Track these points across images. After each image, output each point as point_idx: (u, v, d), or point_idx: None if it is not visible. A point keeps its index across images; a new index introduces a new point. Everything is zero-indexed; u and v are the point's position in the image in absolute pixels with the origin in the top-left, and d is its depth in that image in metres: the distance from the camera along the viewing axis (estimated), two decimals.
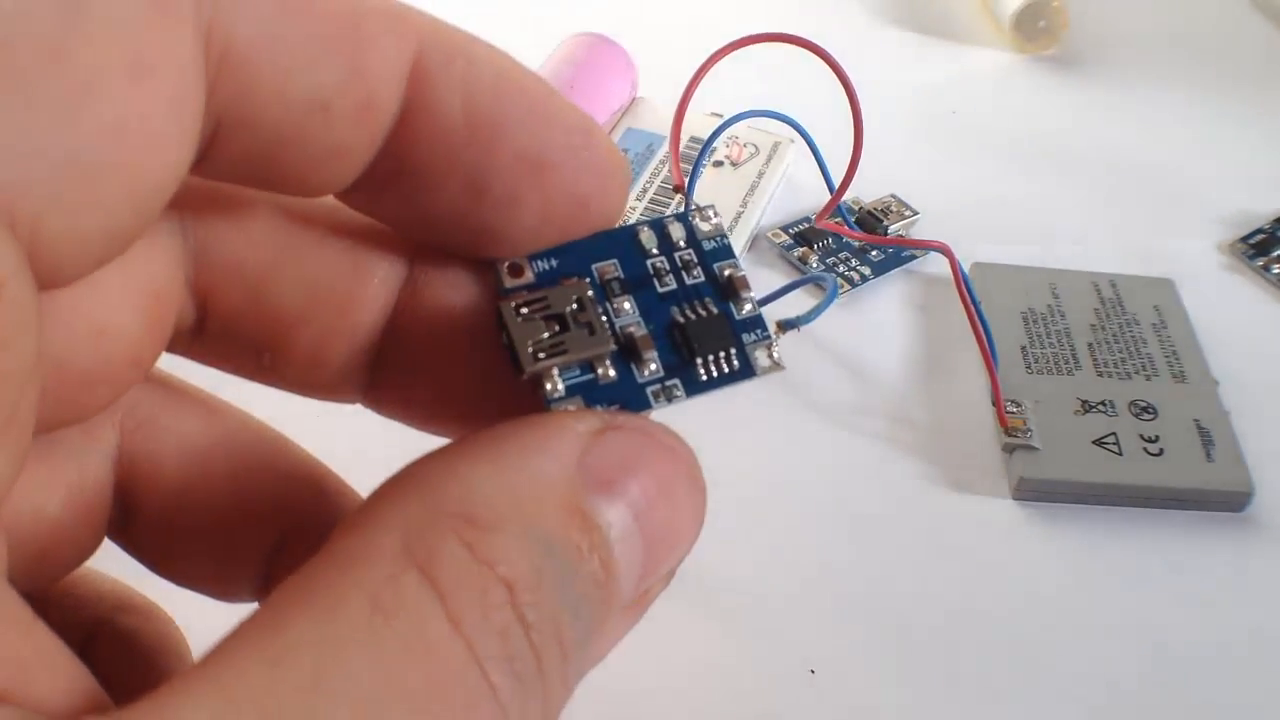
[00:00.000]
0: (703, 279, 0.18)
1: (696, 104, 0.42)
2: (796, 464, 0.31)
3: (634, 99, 0.43)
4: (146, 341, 0.16)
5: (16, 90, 0.12)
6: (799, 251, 0.37)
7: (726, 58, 0.47)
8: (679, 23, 0.50)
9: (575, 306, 0.16)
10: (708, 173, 0.39)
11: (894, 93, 0.46)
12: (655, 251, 0.17)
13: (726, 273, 0.18)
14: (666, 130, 0.41)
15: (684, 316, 0.17)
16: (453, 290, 0.18)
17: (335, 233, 0.17)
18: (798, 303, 0.18)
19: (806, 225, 0.38)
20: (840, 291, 0.36)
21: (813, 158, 0.35)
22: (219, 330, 0.18)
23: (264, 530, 0.19)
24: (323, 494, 0.20)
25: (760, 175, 0.40)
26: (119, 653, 0.20)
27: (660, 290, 0.17)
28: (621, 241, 0.17)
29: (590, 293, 0.17)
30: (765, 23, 0.51)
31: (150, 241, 0.16)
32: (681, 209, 0.18)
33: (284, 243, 0.17)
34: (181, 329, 0.17)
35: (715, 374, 0.17)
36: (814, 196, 0.38)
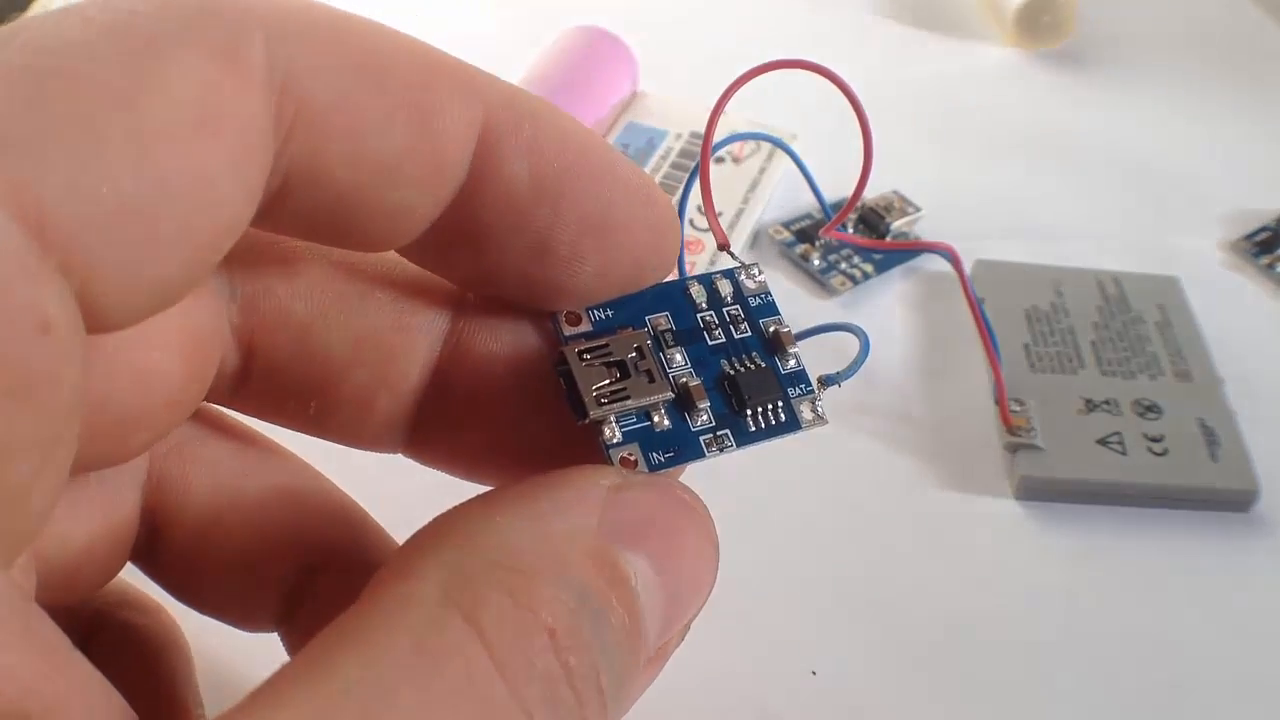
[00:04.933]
0: (749, 333, 0.18)
1: (698, 101, 0.42)
2: (797, 462, 0.31)
3: (634, 93, 0.43)
4: (188, 386, 0.17)
5: (81, 134, 0.12)
6: (800, 248, 0.37)
7: (727, 48, 0.47)
8: (679, 17, 0.50)
9: (635, 355, 0.17)
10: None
11: (896, 89, 0.45)
12: (704, 306, 0.18)
13: (772, 328, 0.18)
14: (667, 125, 0.41)
15: (734, 369, 0.18)
16: (496, 342, 0.18)
17: (381, 284, 0.18)
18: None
19: (809, 222, 0.38)
20: (840, 290, 0.36)
21: (813, 167, 0.34)
22: (263, 379, 0.18)
23: (290, 562, 0.20)
24: (352, 528, 0.20)
25: (761, 172, 0.39)
26: (122, 649, 0.20)
27: (710, 343, 0.18)
28: (673, 295, 0.18)
29: (649, 341, 0.17)
30: (766, 18, 0.51)
31: (197, 288, 0.16)
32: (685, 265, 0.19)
33: (331, 293, 0.17)
34: (225, 376, 0.18)
35: (763, 425, 0.18)
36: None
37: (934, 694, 0.26)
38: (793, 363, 0.18)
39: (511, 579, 0.14)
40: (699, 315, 0.18)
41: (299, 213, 0.15)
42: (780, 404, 0.18)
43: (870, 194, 0.39)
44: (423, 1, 0.46)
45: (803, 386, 0.18)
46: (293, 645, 0.21)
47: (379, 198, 0.15)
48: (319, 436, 0.19)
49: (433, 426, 0.18)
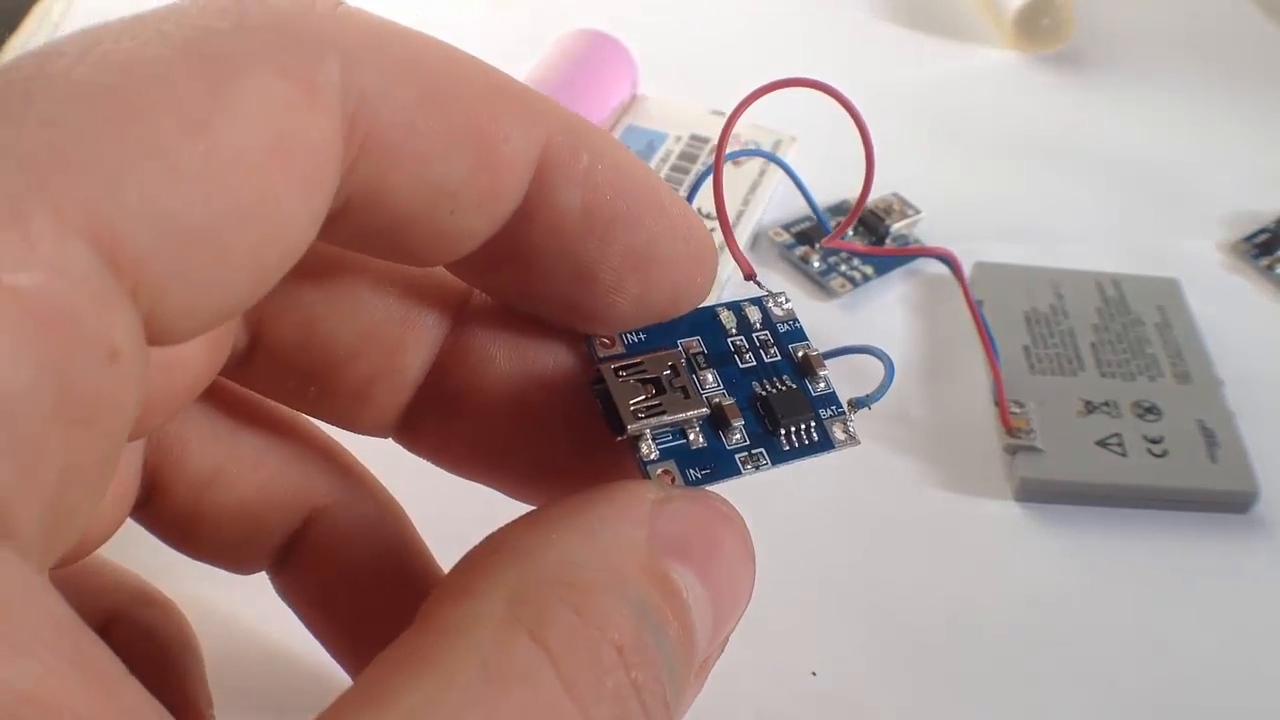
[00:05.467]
0: (779, 358, 0.19)
1: (698, 101, 0.42)
2: (796, 464, 0.31)
3: (634, 96, 0.43)
4: (206, 370, 0.17)
5: (156, 159, 0.12)
6: (800, 250, 0.37)
7: (727, 50, 0.47)
8: (679, 20, 0.50)
9: (670, 372, 0.17)
10: None
11: (896, 91, 0.45)
12: (734, 331, 0.19)
13: (801, 353, 0.19)
14: (667, 128, 0.41)
15: (765, 390, 0.18)
16: (495, 344, 0.18)
17: (391, 279, 0.18)
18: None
19: (809, 224, 0.38)
20: (840, 292, 0.36)
21: (815, 167, 0.34)
22: (267, 361, 0.18)
23: (287, 510, 0.20)
24: (347, 476, 0.21)
25: (761, 174, 0.40)
26: (135, 646, 0.21)
27: (741, 366, 0.18)
28: (703, 321, 0.19)
29: (683, 360, 0.18)
30: (765, 20, 0.51)
31: None
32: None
33: (342, 285, 0.18)
34: (231, 355, 0.18)
35: (796, 444, 0.18)
36: (816, 195, 0.37)
37: (933, 695, 0.26)
38: (823, 385, 0.19)
39: (574, 595, 0.14)
40: (730, 340, 0.18)
41: (354, 230, 0.15)
42: (813, 424, 0.18)
43: (870, 196, 0.39)
44: (424, 3, 0.46)
45: (834, 408, 0.19)
46: (283, 586, 0.21)
47: (435, 221, 0.15)
48: (315, 417, 0.19)
49: (425, 418, 0.19)
